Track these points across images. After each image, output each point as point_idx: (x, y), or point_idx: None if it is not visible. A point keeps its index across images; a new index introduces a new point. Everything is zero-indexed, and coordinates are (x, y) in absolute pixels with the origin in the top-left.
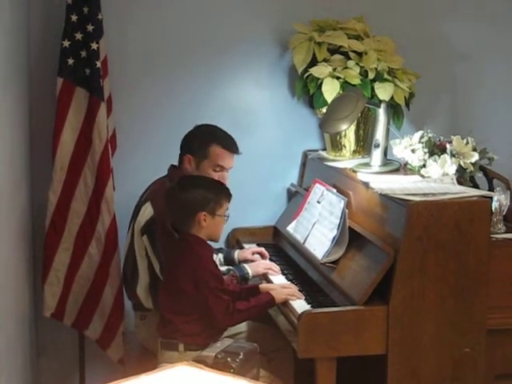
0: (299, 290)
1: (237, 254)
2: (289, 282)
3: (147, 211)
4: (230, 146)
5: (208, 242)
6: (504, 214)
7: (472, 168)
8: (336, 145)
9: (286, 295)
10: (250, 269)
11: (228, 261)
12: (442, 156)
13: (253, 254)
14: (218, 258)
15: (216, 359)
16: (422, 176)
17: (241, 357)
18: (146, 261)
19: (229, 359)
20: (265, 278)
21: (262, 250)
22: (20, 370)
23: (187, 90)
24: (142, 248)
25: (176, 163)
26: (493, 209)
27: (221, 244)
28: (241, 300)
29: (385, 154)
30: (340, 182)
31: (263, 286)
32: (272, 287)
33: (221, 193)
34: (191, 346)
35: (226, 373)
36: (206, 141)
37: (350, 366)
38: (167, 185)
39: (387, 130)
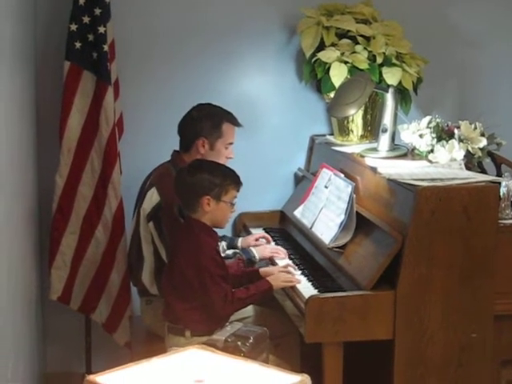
0: (306, 275)
1: (240, 241)
2: (290, 261)
3: (153, 197)
4: (236, 120)
5: (213, 228)
6: None
7: (480, 153)
8: (343, 129)
9: (283, 281)
10: (256, 252)
11: (231, 249)
12: (449, 141)
13: (256, 240)
14: (222, 245)
15: (226, 343)
16: (430, 161)
17: (251, 341)
18: (151, 247)
19: (239, 343)
20: (271, 261)
21: (266, 235)
22: (27, 354)
23: (194, 74)
24: (147, 234)
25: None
26: (501, 194)
27: (228, 229)
28: (241, 283)
29: (392, 138)
30: (347, 166)
31: (263, 269)
32: (271, 271)
33: (228, 179)
34: (197, 332)
35: (237, 356)
36: (218, 120)
37: (357, 350)
38: (171, 170)
39: (395, 115)
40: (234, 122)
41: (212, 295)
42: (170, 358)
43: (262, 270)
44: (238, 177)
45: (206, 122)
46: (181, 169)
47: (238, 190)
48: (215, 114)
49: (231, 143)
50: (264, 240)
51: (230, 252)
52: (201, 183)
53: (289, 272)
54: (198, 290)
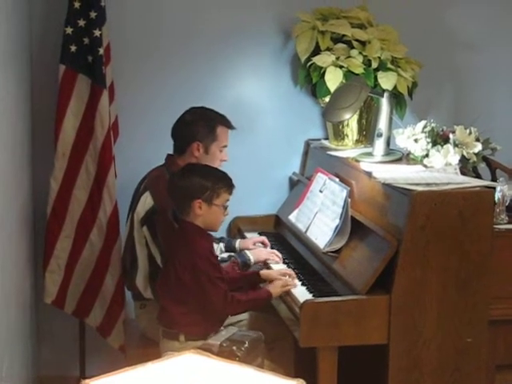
0: (301, 279)
1: (238, 243)
2: (285, 266)
3: (147, 201)
4: (229, 123)
5: (207, 231)
6: (507, 204)
7: (475, 158)
8: (338, 134)
9: (281, 287)
10: (251, 255)
11: (229, 250)
12: (444, 146)
13: (254, 243)
14: (219, 247)
15: (221, 348)
16: (425, 166)
17: (246, 345)
18: (145, 251)
19: (234, 348)
20: (266, 265)
21: (264, 239)
22: (21, 358)
23: (189, 78)
24: (141, 238)
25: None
26: (496, 199)
27: (222, 233)
28: (240, 286)
29: (387, 143)
30: (342, 171)
31: (263, 272)
32: (271, 274)
33: (220, 182)
34: (192, 337)
35: (232, 361)
36: (213, 124)
37: (352, 355)
38: (165, 174)
39: (390, 120)
40: (227, 124)
41: (212, 297)
42: (166, 362)
43: (262, 272)
44: (230, 180)
45: (200, 125)
46: (174, 172)
47: (230, 194)
48: (209, 117)
49: (225, 146)
50: (260, 244)
51: (225, 255)
52: (192, 187)
53: (289, 275)
54: (196, 293)
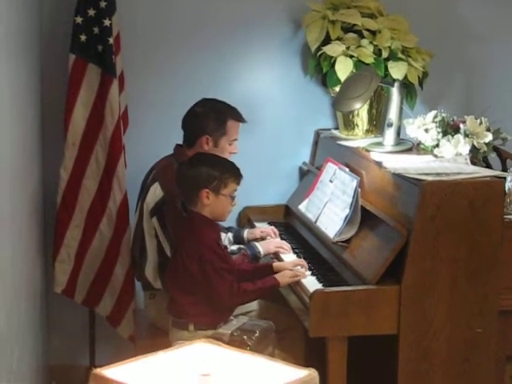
0: (311, 269)
1: (246, 233)
2: (295, 256)
3: (156, 192)
4: (240, 116)
5: (215, 221)
6: None
7: (485, 148)
8: (349, 124)
9: (290, 277)
10: (261, 247)
11: (237, 240)
12: (455, 136)
13: (262, 231)
14: (228, 237)
15: (232, 337)
16: (435, 156)
17: (257, 335)
18: (155, 241)
19: (245, 337)
20: (276, 256)
21: (272, 228)
22: (31, 348)
23: (199, 67)
24: (151, 229)
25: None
26: (506, 189)
27: (232, 222)
28: (254, 278)
29: (398, 133)
30: (352, 161)
31: (276, 264)
32: (284, 265)
33: (227, 172)
34: (201, 326)
35: (243, 350)
36: (223, 118)
37: (362, 345)
38: (174, 163)
39: (400, 110)
40: (238, 118)
41: (217, 288)
42: (177, 351)
43: (275, 264)
44: (238, 170)
45: (210, 119)
46: (182, 162)
47: (237, 184)
48: (220, 110)
49: (235, 139)
50: (272, 235)
51: (234, 248)
52: (200, 176)
53: (302, 266)
54: (203, 284)
